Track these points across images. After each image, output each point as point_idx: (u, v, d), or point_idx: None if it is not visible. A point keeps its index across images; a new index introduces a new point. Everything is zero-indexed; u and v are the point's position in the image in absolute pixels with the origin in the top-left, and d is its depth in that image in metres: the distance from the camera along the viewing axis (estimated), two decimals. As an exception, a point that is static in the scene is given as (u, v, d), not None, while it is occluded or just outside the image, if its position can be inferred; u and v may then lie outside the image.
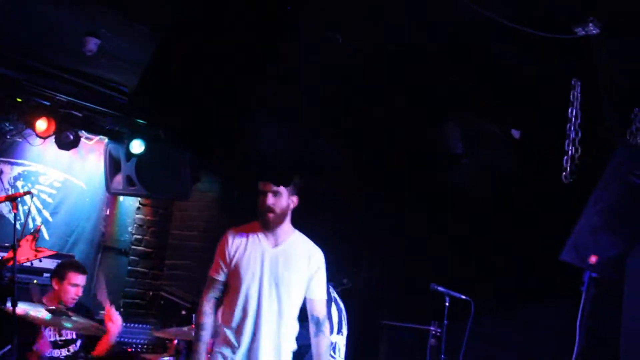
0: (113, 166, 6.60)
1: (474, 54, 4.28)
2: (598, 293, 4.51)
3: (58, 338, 4.81)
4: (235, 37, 3.67)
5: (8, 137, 6.18)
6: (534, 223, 5.09)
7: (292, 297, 3.87)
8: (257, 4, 3.65)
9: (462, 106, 4.88)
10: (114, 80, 6.08)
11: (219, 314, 3.99)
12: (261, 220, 3.89)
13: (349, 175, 5.62)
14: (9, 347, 4.16)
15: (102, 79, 6.07)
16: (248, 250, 3.88)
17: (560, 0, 3.68)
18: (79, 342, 4.93)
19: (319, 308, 3.96)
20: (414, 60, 4.35)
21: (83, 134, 6.51)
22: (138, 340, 6.13)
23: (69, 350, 4.85)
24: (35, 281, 5.72)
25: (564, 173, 4.19)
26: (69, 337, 4.87)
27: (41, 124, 5.99)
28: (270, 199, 3.83)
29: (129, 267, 7.36)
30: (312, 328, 3.94)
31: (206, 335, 3.90)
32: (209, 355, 3.97)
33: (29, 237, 4.88)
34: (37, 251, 4.92)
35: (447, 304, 4.90)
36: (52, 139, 6.12)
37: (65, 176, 6.70)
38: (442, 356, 4.97)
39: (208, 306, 3.92)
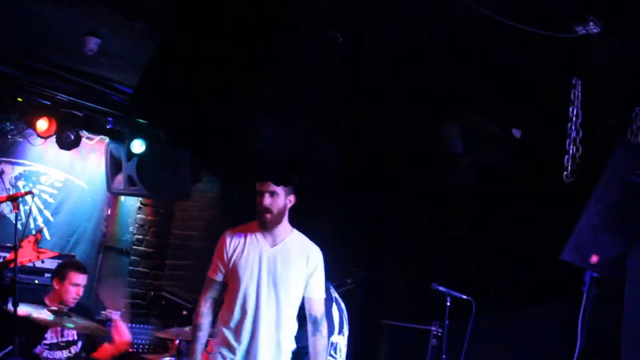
0: (114, 166, 6.61)
1: (474, 54, 4.27)
2: (598, 293, 4.51)
3: (60, 339, 4.82)
4: (235, 37, 3.67)
5: (9, 137, 6.18)
6: (534, 223, 5.08)
7: (290, 296, 3.87)
8: (257, 4, 3.65)
9: (462, 106, 4.87)
10: (114, 79, 6.09)
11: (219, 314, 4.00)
12: (259, 221, 3.90)
13: (349, 175, 5.61)
14: (10, 347, 4.17)
15: (103, 79, 6.07)
16: (246, 250, 3.88)
17: (560, -1, 3.68)
18: (80, 344, 4.94)
19: (317, 307, 3.97)
20: (414, 60, 4.35)
21: (84, 133, 6.51)
22: (139, 341, 6.14)
23: (70, 352, 4.86)
24: (36, 281, 5.73)
25: (565, 172, 4.19)
26: (70, 338, 4.88)
27: (42, 124, 6.01)
28: (267, 200, 3.84)
29: (130, 267, 7.37)
30: (309, 327, 3.95)
31: (202, 336, 3.91)
32: (209, 355, 3.98)
33: (31, 239, 4.89)
34: (39, 253, 4.93)
35: (448, 304, 4.90)
36: (53, 138, 6.13)
37: (67, 176, 6.70)
38: (444, 356, 4.97)
39: (205, 307, 3.93)
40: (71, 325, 4.53)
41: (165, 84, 3.76)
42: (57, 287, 4.86)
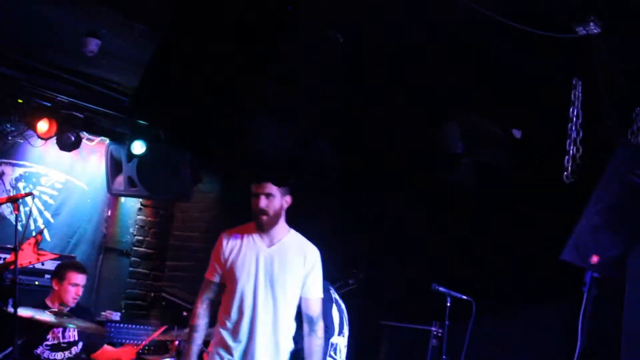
0: (114, 167, 6.61)
1: (474, 54, 4.28)
2: (599, 293, 4.51)
3: (61, 340, 4.82)
4: (235, 37, 3.68)
5: (9, 138, 6.18)
6: (534, 223, 5.08)
7: (287, 296, 3.86)
8: (257, 4, 3.65)
9: (462, 106, 4.87)
10: (114, 80, 6.09)
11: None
12: (256, 222, 3.90)
13: (349, 175, 5.61)
14: (10, 349, 4.17)
15: (103, 80, 6.08)
16: (243, 251, 3.88)
17: (560, -1, 3.68)
18: (80, 344, 4.94)
19: (313, 307, 3.95)
20: (414, 60, 4.35)
21: (84, 135, 6.51)
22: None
23: (70, 353, 4.86)
24: (36, 282, 5.74)
25: (565, 173, 4.19)
26: (71, 339, 4.88)
27: (42, 125, 6.01)
28: (263, 202, 3.83)
29: (131, 269, 7.36)
30: (305, 327, 3.93)
31: (198, 337, 3.91)
32: (207, 355, 3.97)
33: (32, 241, 4.88)
34: (40, 255, 4.93)
35: (448, 304, 4.89)
36: (54, 140, 6.13)
37: (67, 177, 6.70)
38: (444, 357, 4.96)
39: (202, 308, 3.93)
40: (72, 326, 4.53)
41: (165, 84, 3.77)
42: (56, 287, 4.86)
